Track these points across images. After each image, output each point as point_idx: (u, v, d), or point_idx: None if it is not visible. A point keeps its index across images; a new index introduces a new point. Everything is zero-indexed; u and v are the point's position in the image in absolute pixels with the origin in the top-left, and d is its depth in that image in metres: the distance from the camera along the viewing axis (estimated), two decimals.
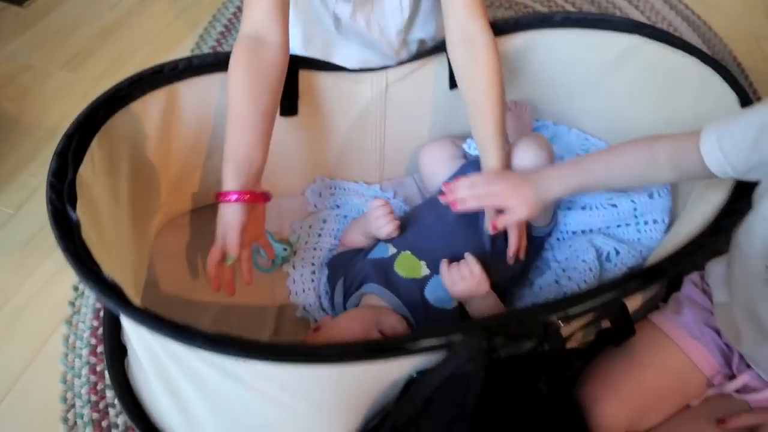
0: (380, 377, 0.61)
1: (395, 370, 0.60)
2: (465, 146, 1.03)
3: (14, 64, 1.39)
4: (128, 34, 1.49)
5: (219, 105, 0.86)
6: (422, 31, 1.02)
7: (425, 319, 0.81)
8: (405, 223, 0.93)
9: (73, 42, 1.45)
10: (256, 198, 0.78)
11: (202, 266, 0.98)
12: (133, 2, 1.58)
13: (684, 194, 0.92)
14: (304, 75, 0.89)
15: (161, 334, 0.52)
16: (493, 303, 0.82)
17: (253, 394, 0.59)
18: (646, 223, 0.92)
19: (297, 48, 1.00)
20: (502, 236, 0.86)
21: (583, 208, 0.95)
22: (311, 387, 0.59)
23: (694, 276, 0.83)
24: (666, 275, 0.67)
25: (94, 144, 0.68)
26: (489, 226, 0.81)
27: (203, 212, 1.04)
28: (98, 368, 0.93)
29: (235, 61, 0.78)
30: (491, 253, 0.87)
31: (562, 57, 1.01)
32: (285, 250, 0.98)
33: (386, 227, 0.88)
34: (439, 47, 0.92)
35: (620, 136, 1.04)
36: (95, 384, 0.92)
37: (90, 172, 0.66)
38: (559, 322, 0.63)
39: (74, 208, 0.58)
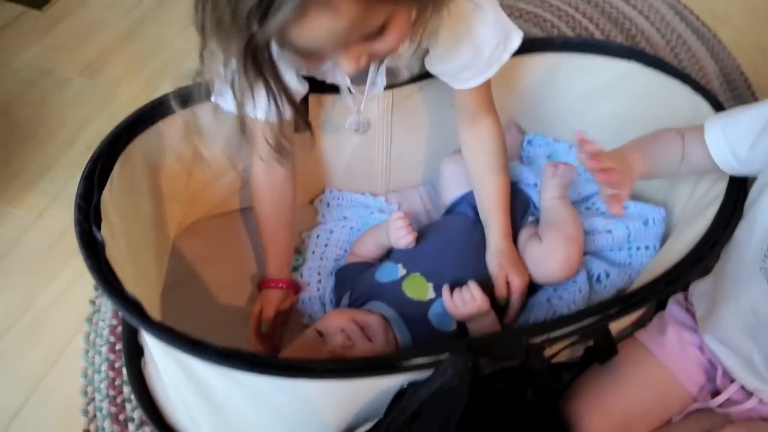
0: (374, 387, 0.66)
1: (387, 382, 0.65)
2: None
3: (34, 70, 1.44)
4: (145, 38, 1.53)
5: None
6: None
7: (425, 341, 0.86)
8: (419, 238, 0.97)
9: (91, 47, 1.50)
10: (293, 288, 0.99)
11: (217, 271, 1.04)
12: (150, 6, 1.61)
13: (675, 221, 0.97)
14: (313, 95, 0.94)
15: (177, 348, 0.57)
16: (491, 321, 0.87)
17: (244, 394, 0.64)
18: (638, 248, 0.96)
19: None
20: None
21: None
22: (306, 394, 0.65)
23: (678, 296, 0.88)
24: (645, 303, 0.71)
25: (116, 166, 0.73)
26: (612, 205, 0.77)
27: (217, 219, 1.11)
28: (116, 365, 0.99)
29: (255, 179, 0.94)
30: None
31: (560, 78, 1.05)
32: (296, 260, 1.03)
33: (405, 238, 0.94)
34: None
35: None
36: (113, 380, 0.98)
37: (107, 193, 0.71)
38: (543, 343, 0.68)
39: (99, 228, 0.64)
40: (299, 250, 1.08)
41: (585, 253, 0.98)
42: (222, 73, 0.63)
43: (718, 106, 0.89)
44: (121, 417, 0.95)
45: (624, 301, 0.71)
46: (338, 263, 1.05)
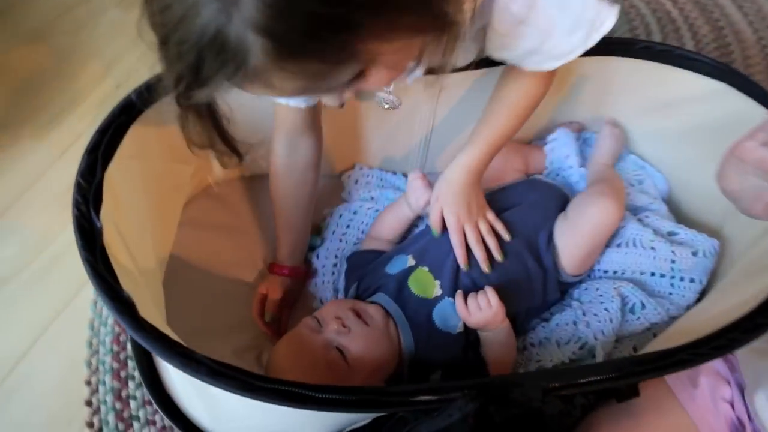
0: None
1: None
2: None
3: None
4: None
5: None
6: None
7: (427, 340, 0.81)
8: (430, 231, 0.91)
9: None
10: (302, 275, 0.97)
11: (229, 240, 1.00)
12: None
13: (731, 255, 0.88)
14: None
15: (166, 359, 0.54)
16: (507, 336, 0.81)
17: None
18: (681, 279, 0.88)
19: None
20: (522, 271, 0.85)
21: (619, 245, 0.91)
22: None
23: None
24: (685, 367, 0.64)
25: (127, 136, 0.68)
26: None
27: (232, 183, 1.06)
28: None
29: (274, 164, 0.88)
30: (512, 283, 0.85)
31: (629, 83, 0.95)
32: (314, 240, 0.99)
33: (423, 196, 0.89)
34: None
35: (675, 174, 1.00)
36: (118, 335, 0.97)
37: (114, 164, 0.66)
38: (563, 390, 0.63)
39: (98, 212, 0.59)
40: (320, 229, 1.03)
41: (624, 273, 0.90)
42: None
43: None
44: (123, 374, 0.94)
45: (661, 360, 0.64)
46: (357, 248, 1.00)
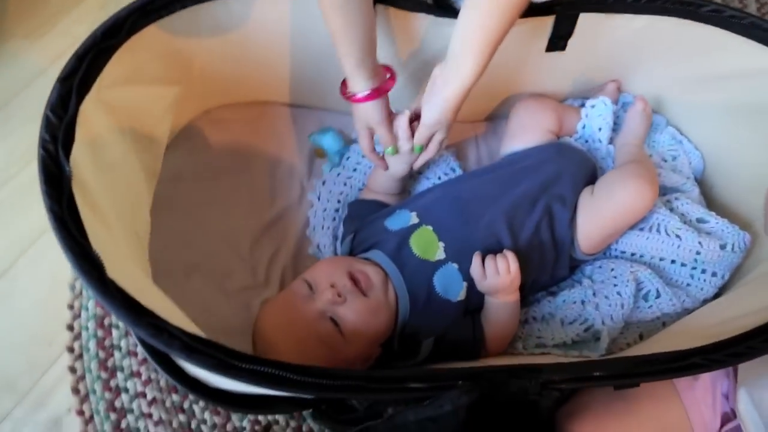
0: None
1: None
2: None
3: None
4: None
5: (280, 23, 0.79)
6: None
7: (424, 307, 0.76)
8: (443, 188, 0.85)
9: None
10: (386, 89, 0.79)
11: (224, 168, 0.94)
12: None
13: (758, 254, 0.81)
14: (400, 14, 0.78)
15: (134, 329, 0.49)
16: (513, 309, 0.77)
17: None
18: (703, 271, 0.82)
19: None
20: (536, 243, 0.80)
21: (642, 229, 0.84)
22: None
23: None
24: (697, 371, 0.59)
25: (111, 62, 0.60)
26: None
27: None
28: None
29: None
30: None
31: (687, 48, 0.84)
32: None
33: (406, 144, 0.81)
34: (541, 8, 0.77)
35: (713, 154, 0.92)
36: None
37: (93, 94, 0.59)
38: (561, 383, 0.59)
39: (69, 154, 0.53)
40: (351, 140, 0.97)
41: (642, 256, 0.84)
42: None
43: None
44: None
45: (671, 362, 0.59)
46: (361, 195, 0.94)
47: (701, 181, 0.93)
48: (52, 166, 0.51)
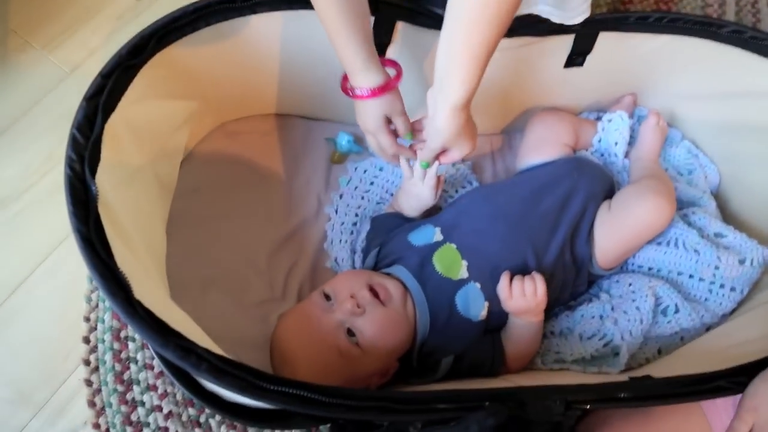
0: None
1: None
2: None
3: None
4: None
5: (299, 38, 0.80)
6: None
7: (445, 325, 0.76)
8: (468, 204, 0.85)
9: None
10: (392, 85, 0.77)
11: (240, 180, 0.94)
12: None
13: None
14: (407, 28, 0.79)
15: (162, 351, 0.49)
16: (536, 331, 0.77)
17: None
18: (722, 286, 0.82)
19: None
20: (560, 265, 0.79)
21: (659, 243, 0.84)
22: None
23: None
24: (722, 394, 0.59)
25: (137, 79, 0.60)
26: None
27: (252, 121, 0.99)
28: None
29: None
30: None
31: (707, 66, 0.84)
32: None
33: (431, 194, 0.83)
34: (561, 29, 0.77)
35: (729, 169, 0.92)
36: None
37: (119, 111, 0.59)
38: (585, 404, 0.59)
39: (95, 173, 0.53)
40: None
41: (659, 271, 0.84)
42: None
43: None
44: None
45: (695, 385, 0.60)
46: (380, 208, 0.94)
47: (717, 195, 0.93)
48: (78, 186, 0.52)
